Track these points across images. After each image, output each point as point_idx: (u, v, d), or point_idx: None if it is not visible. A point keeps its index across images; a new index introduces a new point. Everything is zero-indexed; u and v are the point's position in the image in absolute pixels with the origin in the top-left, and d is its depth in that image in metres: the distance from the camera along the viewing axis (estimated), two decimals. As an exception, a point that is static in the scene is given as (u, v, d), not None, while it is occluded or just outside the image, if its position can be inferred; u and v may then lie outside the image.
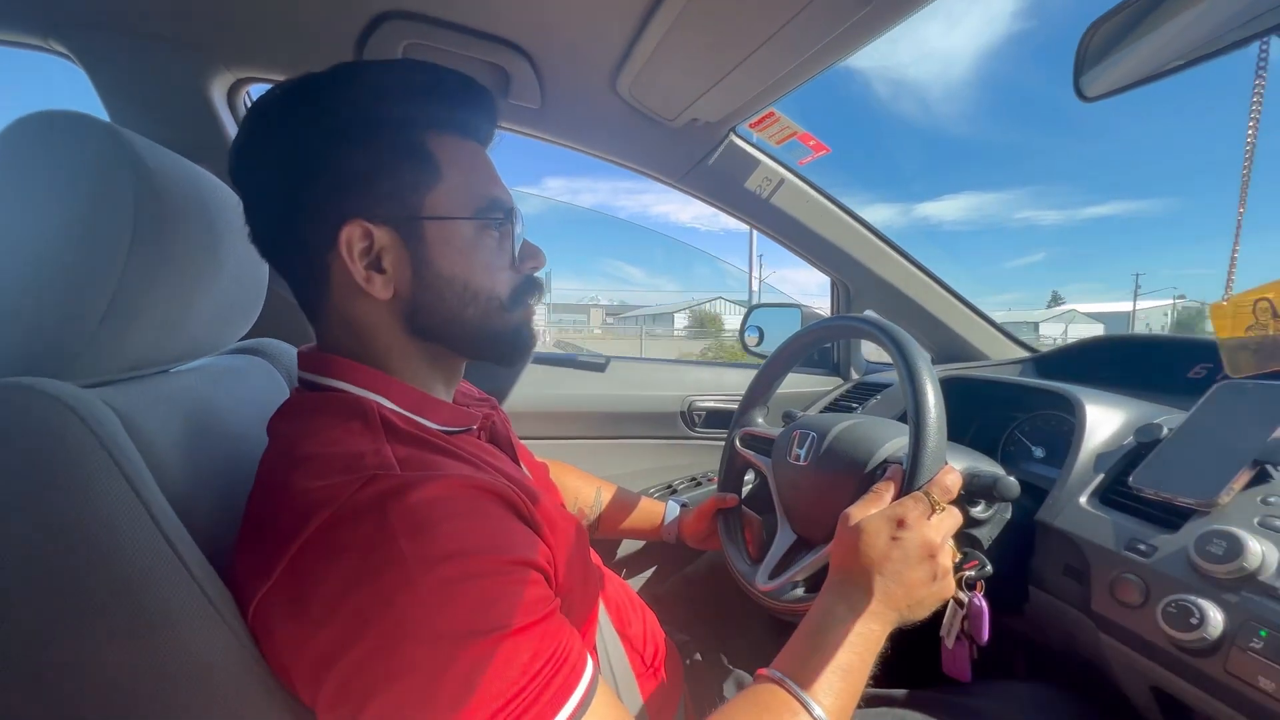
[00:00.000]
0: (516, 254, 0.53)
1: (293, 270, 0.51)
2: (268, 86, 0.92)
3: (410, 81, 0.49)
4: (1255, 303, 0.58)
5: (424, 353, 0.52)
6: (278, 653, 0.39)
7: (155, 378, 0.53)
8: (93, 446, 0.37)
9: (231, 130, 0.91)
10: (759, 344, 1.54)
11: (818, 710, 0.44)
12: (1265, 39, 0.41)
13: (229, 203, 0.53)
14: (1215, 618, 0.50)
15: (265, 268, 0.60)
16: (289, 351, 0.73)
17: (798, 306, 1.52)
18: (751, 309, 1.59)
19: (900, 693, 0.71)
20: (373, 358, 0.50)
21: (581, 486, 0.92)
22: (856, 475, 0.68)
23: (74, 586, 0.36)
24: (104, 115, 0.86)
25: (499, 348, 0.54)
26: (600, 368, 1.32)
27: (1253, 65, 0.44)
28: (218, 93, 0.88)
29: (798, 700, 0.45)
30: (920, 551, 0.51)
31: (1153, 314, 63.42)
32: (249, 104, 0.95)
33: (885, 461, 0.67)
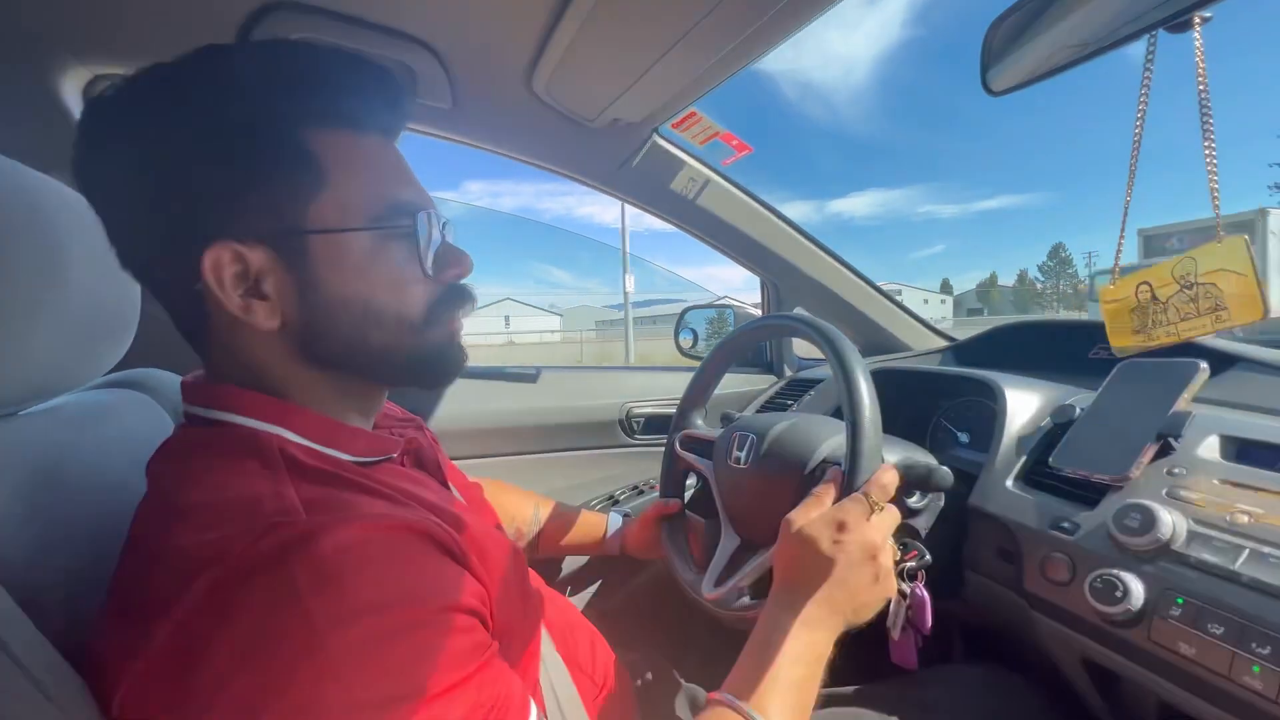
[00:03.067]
0: (429, 263, 0.45)
1: (164, 299, 0.43)
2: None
3: (280, 67, 0.42)
4: (1137, 286, 0.62)
5: (330, 382, 0.45)
6: None
7: None
8: None
9: None
10: (693, 345, 1.54)
11: None
12: (1153, 33, 0.43)
13: (80, 214, 0.46)
14: (1137, 590, 0.52)
15: (137, 290, 0.52)
16: (173, 382, 0.64)
17: (730, 306, 1.53)
18: (685, 311, 1.59)
19: (850, 690, 0.71)
20: (269, 387, 0.43)
21: (519, 504, 0.87)
22: (797, 476, 0.67)
23: None
24: None
25: (418, 372, 0.47)
26: (532, 379, 1.27)
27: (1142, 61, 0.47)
28: (69, 90, 0.77)
29: None
30: (862, 554, 0.50)
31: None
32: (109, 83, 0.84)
33: (824, 461, 0.67)
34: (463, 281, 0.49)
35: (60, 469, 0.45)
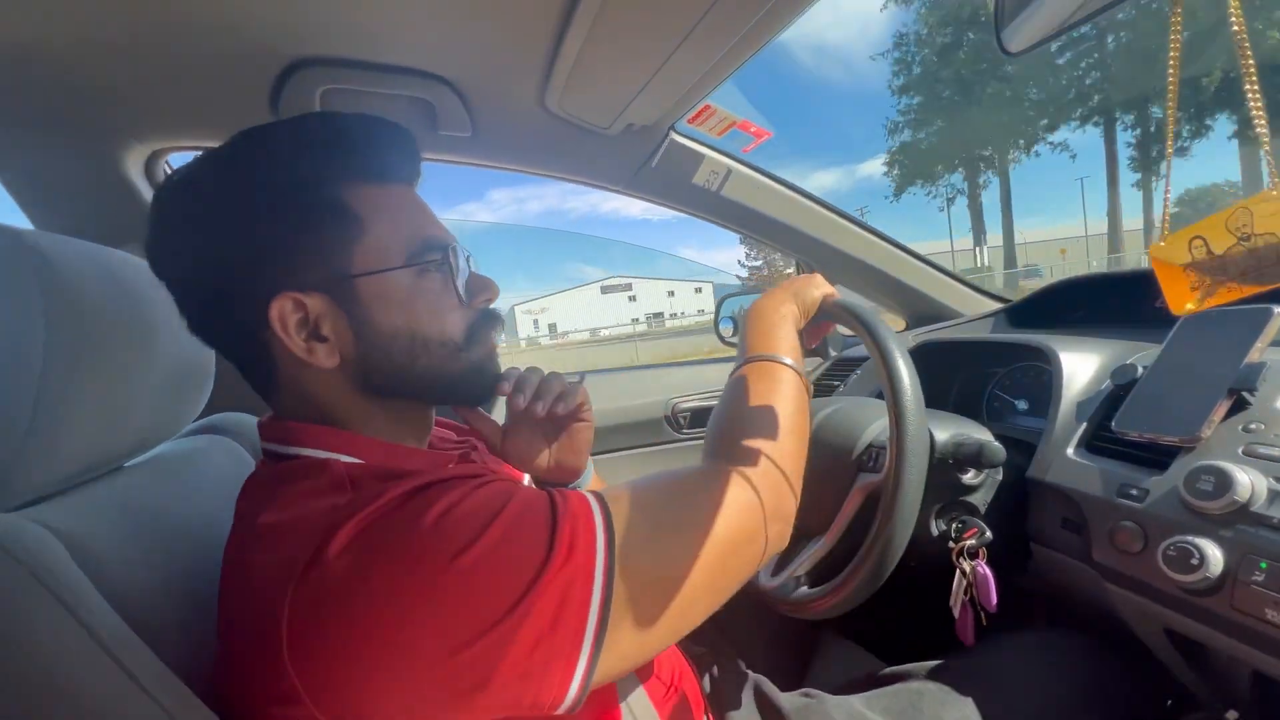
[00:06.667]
0: (462, 291, 0.50)
1: (234, 352, 0.48)
2: (185, 154, 0.89)
3: (311, 137, 0.46)
4: (1190, 241, 0.58)
5: (386, 410, 0.50)
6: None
7: (103, 480, 0.50)
8: (28, 583, 0.35)
9: None
10: (734, 334, 1.53)
11: (787, 360, 0.58)
12: (1175, -27, 0.40)
13: (157, 283, 0.51)
14: (1214, 556, 0.49)
15: None
16: (251, 423, 0.70)
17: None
18: (722, 299, 1.58)
19: (918, 666, 0.70)
20: (333, 420, 0.48)
21: None
22: (844, 462, 0.67)
23: None
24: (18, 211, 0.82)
25: (463, 391, 0.52)
26: (574, 385, 1.30)
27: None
28: (133, 168, 0.84)
29: (773, 362, 0.58)
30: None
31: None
32: (169, 173, 0.91)
33: (870, 446, 0.66)
34: (491, 306, 0.53)
35: (163, 513, 0.51)
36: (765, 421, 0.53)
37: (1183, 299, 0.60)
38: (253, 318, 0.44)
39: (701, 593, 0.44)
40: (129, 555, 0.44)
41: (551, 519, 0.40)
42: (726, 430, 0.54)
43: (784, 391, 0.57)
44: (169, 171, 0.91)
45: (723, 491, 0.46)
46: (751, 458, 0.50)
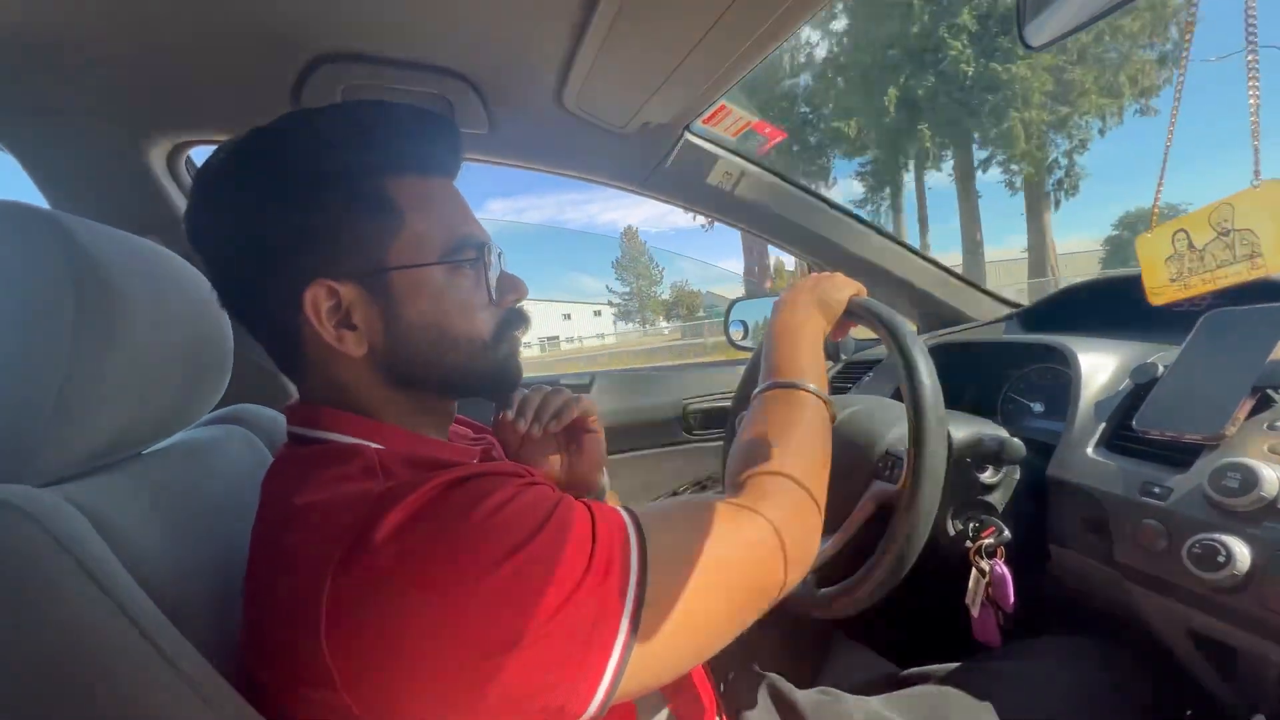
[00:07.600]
0: (494, 289, 0.50)
1: (263, 333, 0.49)
2: (207, 147, 0.90)
3: (359, 125, 0.46)
4: (1174, 234, 0.59)
5: (411, 400, 0.50)
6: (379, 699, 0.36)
7: (126, 464, 0.50)
8: (54, 552, 0.35)
9: (176, 198, 0.88)
10: (744, 337, 1.53)
11: (811, 386, 0.57)
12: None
13: (179, 274, 0.51)
14: (1242, 553, 0.49)
15: (229, 334, 0.58)
16: (268, 415, 0.70)
17: (778, 296, 1.51)
18: (733, 303, 1.59)
19: (937, 669, 0.70)
20: (359, 408, 0.48)
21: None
22: (861, 464, 0.67)
23: (61, 703, 0.33)
24: (43, 200, 0.83)
25: (487, 386, 0.52)
26: (585, 387, 1.30)
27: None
28: (156, 161, 0.85)
29: (798, 389, 0.57)
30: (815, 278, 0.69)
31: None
32: (190, 168, 0.92)
33: (888, 454, 0.66)
34: (519, 306, 0.53)
35: (182, 496, 0.51)
36: (792, 460, 0.52)
37: (1161, 291, 0.60)
38: (286, 301, 0.44)
39: (721, 624, 0.43)
40: (149, 534, 0.44)
41: (592, 532, 0.39)
42: (752, 464, 0.52)
43: (811, 424, 0.55)
44: (190, 166, 0.92)
45: (750, 535, 0.45)
46: (780, 500, 0.49)
